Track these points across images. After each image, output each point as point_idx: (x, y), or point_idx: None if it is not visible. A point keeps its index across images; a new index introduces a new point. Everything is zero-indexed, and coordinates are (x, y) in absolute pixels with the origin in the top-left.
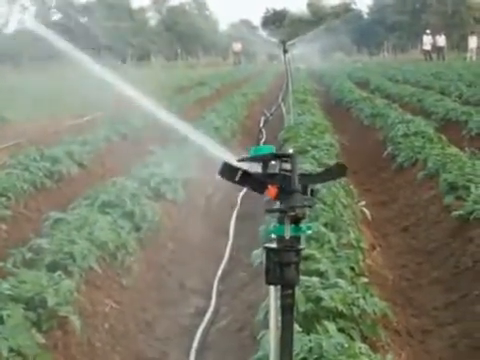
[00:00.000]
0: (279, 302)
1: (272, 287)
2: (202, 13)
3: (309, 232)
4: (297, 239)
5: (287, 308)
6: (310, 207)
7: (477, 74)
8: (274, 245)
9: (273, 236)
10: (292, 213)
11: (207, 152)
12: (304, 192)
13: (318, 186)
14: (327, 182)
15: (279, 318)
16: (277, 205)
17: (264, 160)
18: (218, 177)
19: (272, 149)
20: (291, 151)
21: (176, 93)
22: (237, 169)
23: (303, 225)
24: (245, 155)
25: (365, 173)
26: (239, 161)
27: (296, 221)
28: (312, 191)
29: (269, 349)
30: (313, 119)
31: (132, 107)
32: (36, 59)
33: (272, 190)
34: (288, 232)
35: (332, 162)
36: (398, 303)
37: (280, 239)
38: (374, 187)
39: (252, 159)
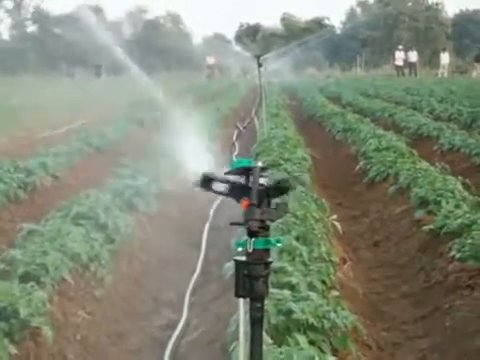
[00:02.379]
0: (248, 315)
1: (241, 300)
2: (176, 27)
3: (279, 245)
4: (266, 252)
5: (256, 321)
6: (271, 221)
7: (448, 90)
8: (243, 258)
9: (239, 249)
10: (246, 226)
11: (181, 164)
12: (268, 205)
13: (285, 200)
14: (278, 197)
15: (248, 331)
16: None
17: (241, 173)
18: (194, 188)
19: (251, 162)
20: (260, 164)
21: (149, 106)
22: (212, 180)
23: (272, 238)
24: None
25: (337, 187)
26: (226, 174)
27: (251, 235)
28: (278, 205)
29: None
30: (286, 133)
31: (105, 121)
32: (8, 71)
33: (244, 202)
34: (251, 245)
35: (305, 175)
36: (368, 316)
37: (248, 252)
38: (345, 201)
39: (234, 171)
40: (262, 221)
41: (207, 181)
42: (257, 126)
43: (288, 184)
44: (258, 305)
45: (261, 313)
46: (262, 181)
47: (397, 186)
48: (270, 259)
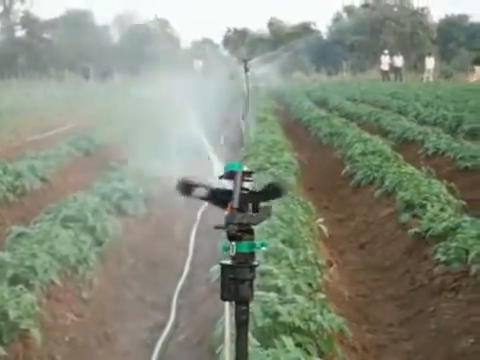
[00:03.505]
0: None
1: (227, 302)
2: (164, 31)
3: (264, 248)
4: (252, 255)
5: (242, 324)
6: (253, 224)
7: (434, 94)
8: (229, 261)
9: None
10: (226, 230)
11: (169, 167)
12: (254, 209)
13: (268, 204)
14: (268, 201)
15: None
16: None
17: (230, 177)
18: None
19: (241, 166)
20: (245, 168)
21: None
22: (195, 186)
23: (257, 242)
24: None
25: (323, 191)
26: (220, 178)
27: (231, 238)
28: (262, 208)
29: None
30: (273, 137)
31: (94, 124)
32: None
33: (229, 207)
34: (233, 249)
35: (291, 179)
36: (354, 319)
37: (234, 255)
38: (332, 204)
39: (226, 176)
40: (242, 225)
41: (186, 187)
42: (244, 130)
43: (278, 188)
44: (243, 308)
45: (246, 316)
46: (247, 185)
47: (383, 190)
48: (255, 262)
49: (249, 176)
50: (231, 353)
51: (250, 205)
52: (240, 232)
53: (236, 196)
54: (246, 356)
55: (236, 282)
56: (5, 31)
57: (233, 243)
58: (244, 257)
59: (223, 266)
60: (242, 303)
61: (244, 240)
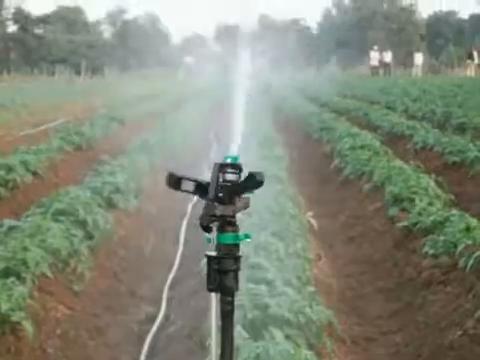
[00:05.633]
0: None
1: (213, 294)
2: (155, 27)
3: (248, 240)
4: (236, 246)
5: (226, 315)
6: (231, 217)
7: (422, 90)
8: (213, 253)
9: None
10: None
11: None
12: (231, 201)
13: (247, 196)
14: (249, 192)
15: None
16: None
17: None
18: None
19: (237, 158)
20: (228, 161)
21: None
22: (183, 179)
23: (241, 233)
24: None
25: (313, 184)
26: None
27: (204, 230)
28: (240, 200)
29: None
30: (264, 132)
31: (85, 118)
32: None
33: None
34: (214, 240)
35: (282, 174)
36: (343, 312)
37: (218, 246)
38: (321, 198)
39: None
40: (216, 216)
41: (174, 180)
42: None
43: (257, 179)
44: (228, 299)
45: (231, 307)
46: (231, 177)
47: (371, 184)
48: (239, 254)
49: (233, 168)
50: (218, 344)
51: (227, 196)
52: (215, 223)
53: (212, 187)
54: (231, 346)
55: (220, 273)
56: None
57: (212, 234)
58: (228, 248)
59: (208, 257)
60: (227, 294)
61: (227, 232)
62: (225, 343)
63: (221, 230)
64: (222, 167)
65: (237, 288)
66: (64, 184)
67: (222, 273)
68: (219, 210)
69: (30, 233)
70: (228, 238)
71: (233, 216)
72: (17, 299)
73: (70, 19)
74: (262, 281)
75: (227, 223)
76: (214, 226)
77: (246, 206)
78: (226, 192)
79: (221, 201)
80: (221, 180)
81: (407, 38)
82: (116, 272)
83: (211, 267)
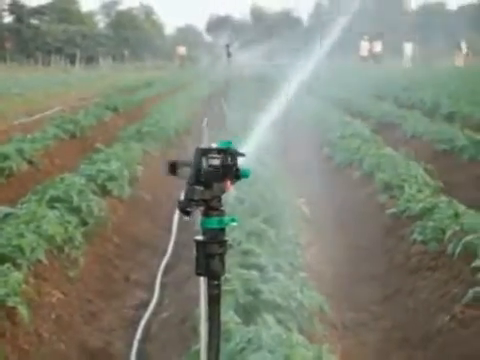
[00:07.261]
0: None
1: (202, 278)
2: (149, 18)
3: (234, 224)
4: (221, 231)
5: (213, 298)
6: (207, 200)
7: (412, 79)
8: (200, 237)
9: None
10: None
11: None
12: (209, 186)
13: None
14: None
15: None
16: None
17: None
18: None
19: (230, 143)
20: (214, 145)
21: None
22: (180, 165)
23: (226, 218)
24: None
25: (304, 172)
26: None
27: (183, 213)
28: (217, 185)
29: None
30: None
31: (80, 107)
32: None
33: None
34: (195, 223)
35: (274, 161)
36: (334, 297)
37: (204, 231)
38: (312, 185)
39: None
40: (193, 201)
41: (171, 166)
42: (226, 112)
43: (231, 165)
44: (215, 283)
45: (218, 291)
46: (216, 162)
47: (362, 171)
48: (225, 238)
49: (218, 154)
50: (206, 328)
51: (207, 181)
52: (200, 208)
53: (192, 171)
54: (218, 330)
55: (207, 257)
56: None
57: (192, 218)
58: (214, 233)
59: (197, 242)
60: (213, 278)
61: (212, 216)
62: (213, 327)
63: (206, 214)
64: (205, 152)
65: (223, 272)
66: (59, 172)
67: (209, 257)
68: (197, 194)
69: (25, 220)
70: (213, 222)
71: (214, 200)
72: (13, 285)
73: (65, 9)
74: (254, 267)
75: (210, 208)
76: (198, 210)
77: (223, 191)
78: (208, 176)
79: (202, 185)
80: (205, 165)
81: (397, 28)
82: (110, 258)
83: (199, 252)
